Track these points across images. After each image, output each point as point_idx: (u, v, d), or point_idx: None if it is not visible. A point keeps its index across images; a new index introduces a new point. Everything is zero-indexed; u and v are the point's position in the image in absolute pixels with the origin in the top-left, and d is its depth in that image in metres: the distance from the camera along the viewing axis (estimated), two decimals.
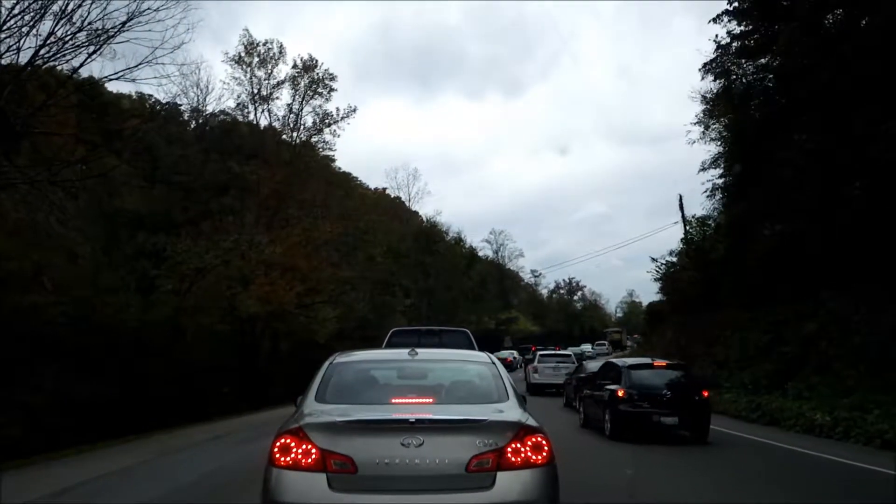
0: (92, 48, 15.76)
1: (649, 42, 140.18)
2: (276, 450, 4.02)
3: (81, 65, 16.04)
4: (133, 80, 17.05)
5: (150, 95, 28.58)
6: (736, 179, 25.26)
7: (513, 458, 4.02)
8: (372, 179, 79.56)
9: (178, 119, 35.93)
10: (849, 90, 16.93)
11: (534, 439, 4.13)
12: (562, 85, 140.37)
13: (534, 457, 4.07)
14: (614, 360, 16.03)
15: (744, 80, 24.02)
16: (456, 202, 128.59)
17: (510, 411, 4.51)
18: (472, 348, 11.01)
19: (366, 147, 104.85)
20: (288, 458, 3.97)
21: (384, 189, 68.16)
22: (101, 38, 15.55)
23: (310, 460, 3.93)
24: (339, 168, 50.81)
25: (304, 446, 3.96)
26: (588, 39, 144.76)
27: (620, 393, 12.55)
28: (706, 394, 13.12)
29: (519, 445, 4.06)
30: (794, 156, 19.14)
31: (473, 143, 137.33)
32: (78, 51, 15.59)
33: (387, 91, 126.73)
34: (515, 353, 56.20)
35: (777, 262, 20.58)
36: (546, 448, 4.15)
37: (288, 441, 4.01)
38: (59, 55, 15.67)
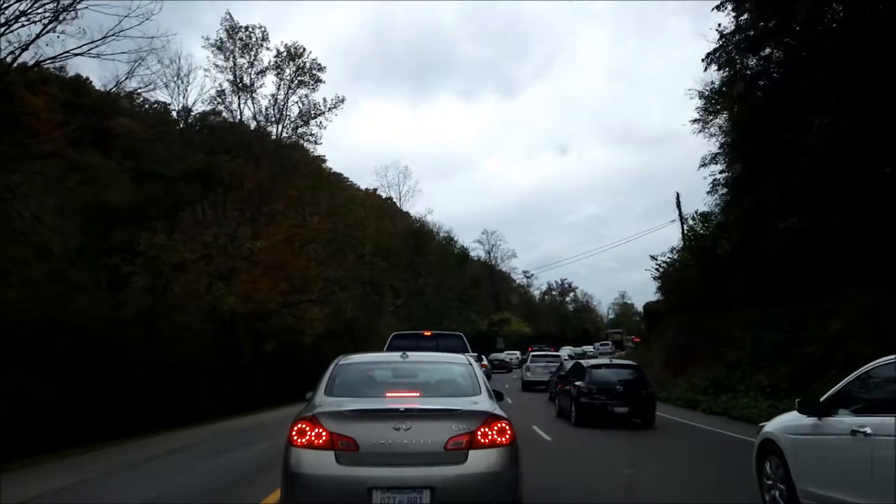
0: (49, 18, 14.38)
1: (644, 43, 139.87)
2: (294, 433, 4.89)
3: (38, 35, 14.64)
4: (98, 56, 15.66)
5: (139, 94, 26.81)
6: (744, 172, 23.94)
7: (482, 440, 4.89)
8: (364, 181, 78.19)
9: (166, 118, 34.17)
10: (876, 69, 15.66)
11: (499, 425, 4.98)
12: (557, 86, 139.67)
13: (499, 439, 4.94)
14: (581, 361, 18.15)
15: (748, 70, 22.75)
16: (449, 203, 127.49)
17: (482, 403, 5.34)
18: (466, 350, 12.06)
19: (359, 149, 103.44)
20: (304, 440, 4.85)
21: (375, 189, 66.83)
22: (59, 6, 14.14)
23: (321, 441, 4.82)
24: (330, 169, 49.29)
25: (316, 430, 4.85)
26: (583, 41, 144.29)
27: (582, 388, 14.90)
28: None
29: (487, 430, 4.93)
30: (814, 141, 17.84)
31: (468, 144, 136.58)
32: (41, 13, 14.22)
33: (381, 92, 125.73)
34: (518, 354, 54.77)
35: (793, 257, 19.25)
36: (509, 432, 5.00)
37: (304, 426, 4.89)
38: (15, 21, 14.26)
